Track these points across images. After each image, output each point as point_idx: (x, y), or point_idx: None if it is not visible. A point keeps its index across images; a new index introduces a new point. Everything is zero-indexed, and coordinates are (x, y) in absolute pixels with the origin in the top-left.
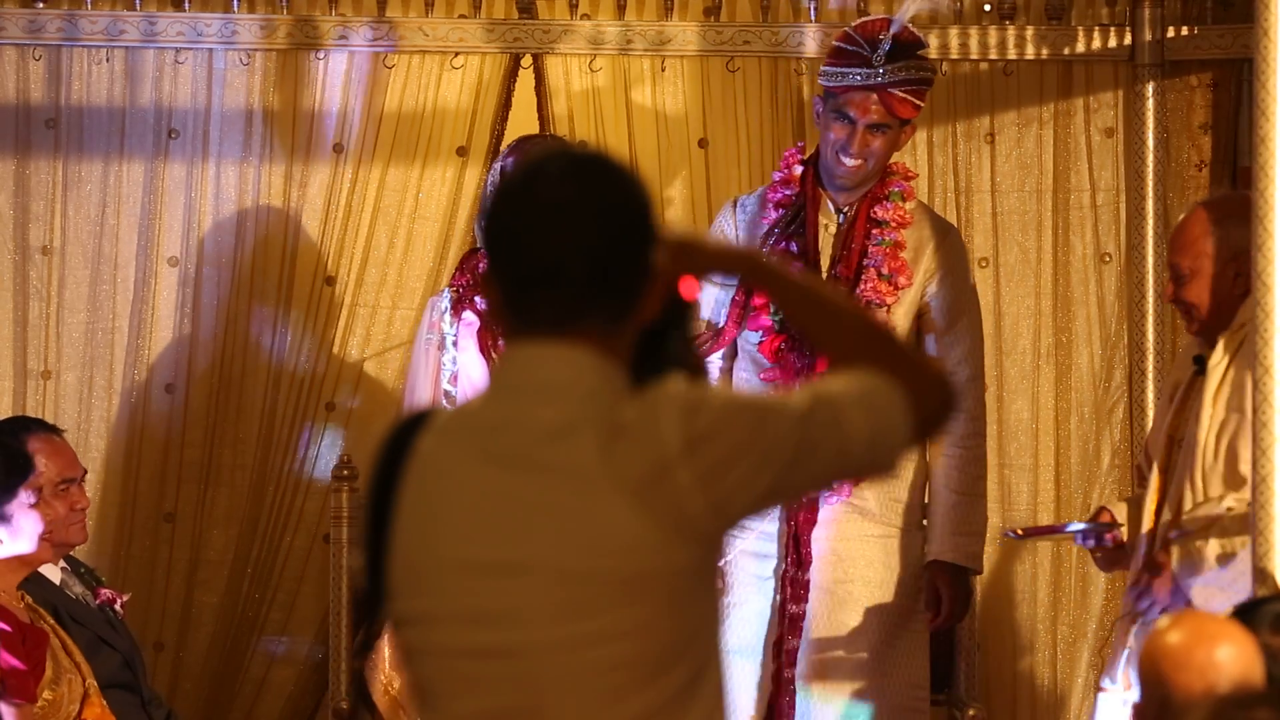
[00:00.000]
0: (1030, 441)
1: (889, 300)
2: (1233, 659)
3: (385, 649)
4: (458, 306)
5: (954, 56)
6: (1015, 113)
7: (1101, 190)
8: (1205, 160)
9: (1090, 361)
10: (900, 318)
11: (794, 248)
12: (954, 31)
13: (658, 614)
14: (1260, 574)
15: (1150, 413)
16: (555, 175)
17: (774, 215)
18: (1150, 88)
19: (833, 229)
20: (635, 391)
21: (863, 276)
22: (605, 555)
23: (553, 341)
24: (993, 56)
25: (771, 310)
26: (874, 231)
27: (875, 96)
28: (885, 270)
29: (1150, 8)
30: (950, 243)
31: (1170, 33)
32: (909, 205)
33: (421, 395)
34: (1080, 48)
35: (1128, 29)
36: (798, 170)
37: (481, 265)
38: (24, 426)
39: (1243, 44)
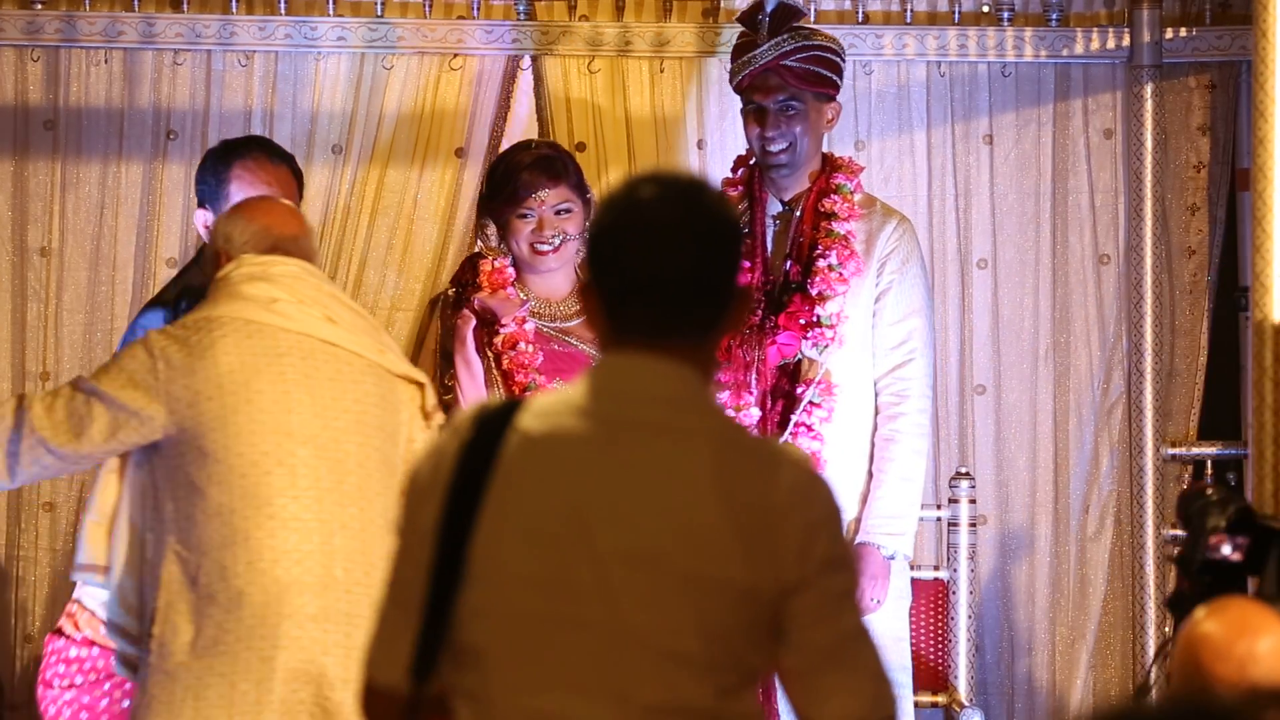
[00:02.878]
0: (1029, 442)
1: (840, 291)
2: (1274, 652)
3: None
4: (458, 305)
5: (952, 58)
6: (1014, 114)
7: (1100, 191)
8: (1203, 161)
9: (1089, 362)
10: (855, 308)
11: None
12: (952, 32)
13: (728, 620)
14: None
15: (1150, 413)
16: (659, 197)
17: None
18: (1149, 89)
19: (780, 225)
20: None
21: (813, 269)
22: (699, 557)
23: (650, 353)
24: (991, 58)
25: None
26: (823, 224)
27: (773, 75)
28: (835, 261)
29: (1149, 9)
30: (901, 231)
31: (1168, 34)
32: (857, 198)
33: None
34: (1079, 49)
35: (1126, 30)
36: (742, 172)
37: (484, 267)
38: None
39: (1241, 45)
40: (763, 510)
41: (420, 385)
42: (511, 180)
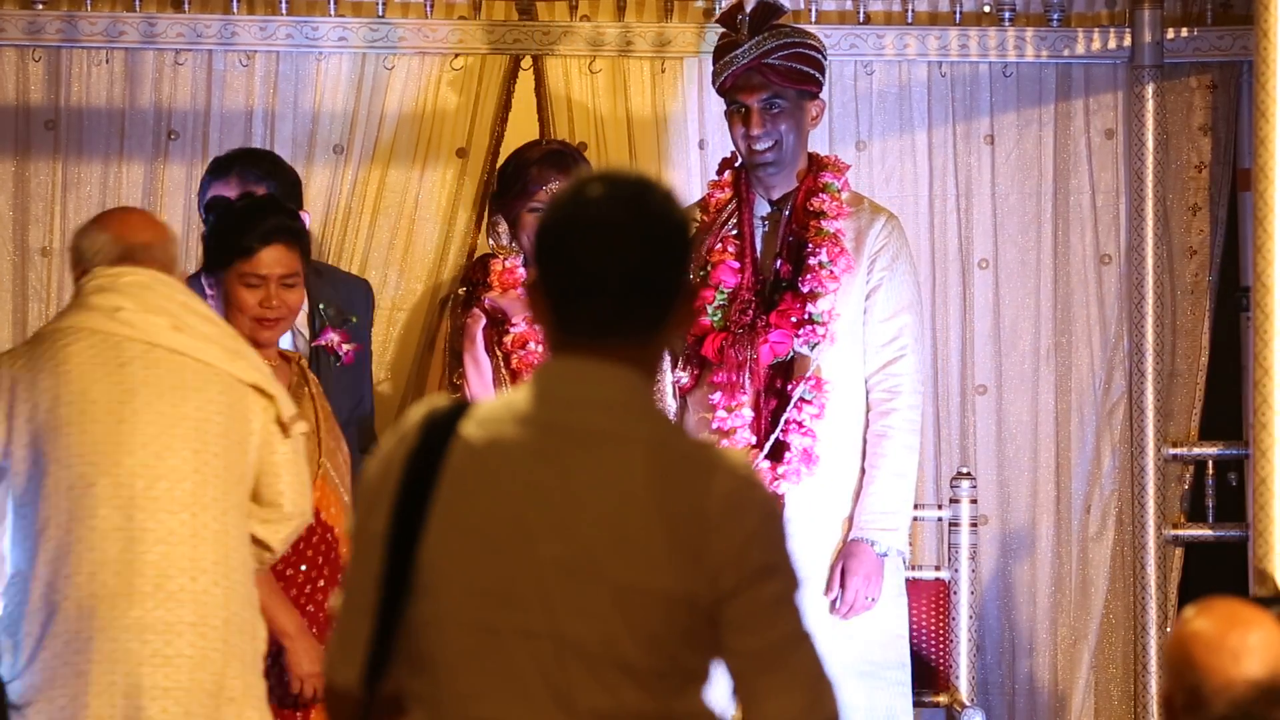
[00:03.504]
0: (1030, 442)
1: (831, 288)
2: (1265, 645)
3: None
4: (468, 304)
5: (954, 58)
6: (1015, 114)
7: (1101, 191)
8: (1205, 161)
9: (1090, 363)
10: (845, 305)
11: (731, 248)
12: (954, 33)
13: (663, 628)
14: (1260, 575)
15: (1151, 413)
16: (606, 195)
17: (709, 217)
18: (1150, 89)
19: (769, 226)
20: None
21: (804, 267)
22: (631, 567)
23: (595, 354)
24: (992, 58)
25: (709, 310)
26: (812, 223)
27: (756, 74)
28: (826, 259)
29: (1150, 9)
30: (890, 228)
31: (1170, 34)
32: (844, 195)
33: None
34: (1080, 49)
35: (1127, 30)
36: (729, 174)
37: (495, 266)
38: None
39: (1242, 45)
40: (696, 519)
41: (271, 397)
42: (522, 175)
